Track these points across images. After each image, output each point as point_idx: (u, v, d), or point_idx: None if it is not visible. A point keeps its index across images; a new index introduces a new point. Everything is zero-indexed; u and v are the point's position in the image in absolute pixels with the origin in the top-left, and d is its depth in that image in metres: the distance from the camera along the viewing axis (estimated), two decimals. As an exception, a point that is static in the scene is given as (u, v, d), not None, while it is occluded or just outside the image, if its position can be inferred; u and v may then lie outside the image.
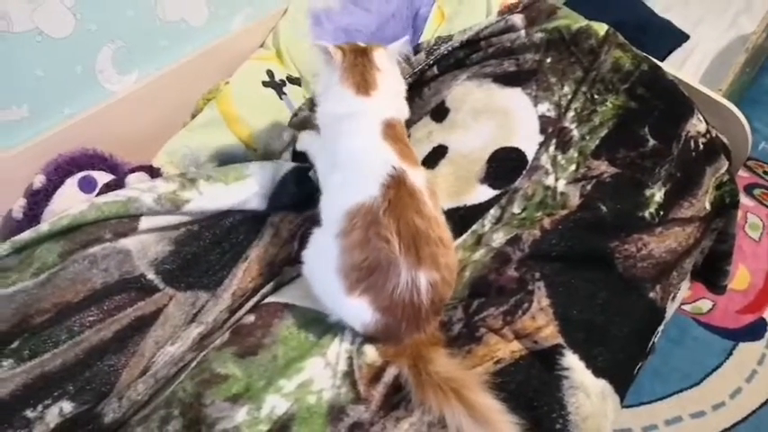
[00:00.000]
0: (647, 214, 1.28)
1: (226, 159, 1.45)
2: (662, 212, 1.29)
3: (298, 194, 1.34)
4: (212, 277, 1.25)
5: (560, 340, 1.10)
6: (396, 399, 1.04)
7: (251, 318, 1.18)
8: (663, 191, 1.30)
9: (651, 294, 1.22)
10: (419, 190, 1.09)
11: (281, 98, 1.55)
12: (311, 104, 1.50)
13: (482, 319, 1.14)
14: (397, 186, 1.06)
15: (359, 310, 1.07)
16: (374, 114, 1.14)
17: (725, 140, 1.47)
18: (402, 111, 1.22)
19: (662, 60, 1.60)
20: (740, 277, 1.97)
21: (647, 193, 1.29)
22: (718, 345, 1.83)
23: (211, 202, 1.29)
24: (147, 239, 1.24)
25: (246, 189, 1.32)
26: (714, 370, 1.78)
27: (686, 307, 1.87)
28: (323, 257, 1.09)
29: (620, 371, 1.15)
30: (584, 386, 1.05)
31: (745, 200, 2.08)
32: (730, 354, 1.81)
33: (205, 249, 1.28)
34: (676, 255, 1.27)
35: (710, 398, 1.72)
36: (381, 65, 1.19)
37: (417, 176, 1.11)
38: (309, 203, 1.31)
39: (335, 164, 1.14)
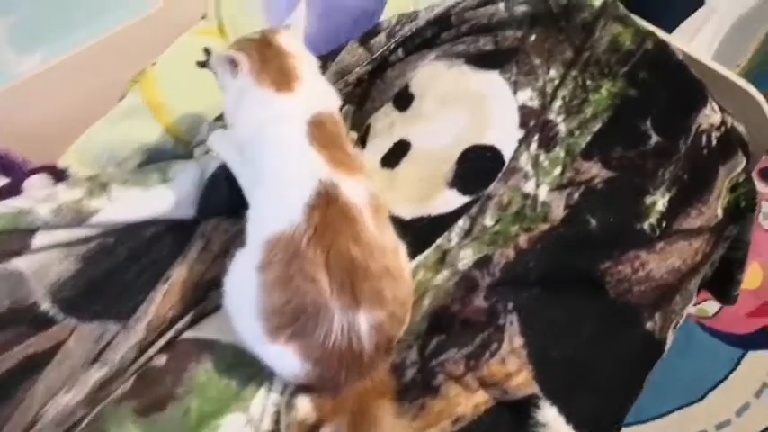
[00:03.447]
0: (646, 226, 1.06)
1: (152, 157, 1.24)
2: (664, 223, 1.07)
3: (232, 196, 1.12)
4: (126, 303, 1.06)
5: (535, 389, 0.92)
6: (329, 469, 0.85)
7: (162, 359, 0.98)
8: (666, 197, 1.08)
9: (648, 324, 1.03)
10: (357, 208, 0.87)
11: (218, 81, 1.31)
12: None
13: (441, 364, 0.95)
14: (325, 206, 0.85)
15: (285, 360, 0.87)
16: (299, 113, 0.92)
17: (742, 131, 1.24)
18: (331, 99, 1.00)
19: (671, 32, 1.35)
20: (752, 275, 1.77)
21: (648, 200, 1.07)
22: (723, 353, 1.64)
23: (125, 211, 1.08)
24: (46, 258, 1.04)
25: (170, 194, 1.11)
26: (719, 383, 1.59)
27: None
28: (243, 291, 0.89)
29: (608, 420, 0.99)
30: (564, 445, 0.87)
31: (758, 185, 1.85)
32: (737, 364, 1.63)
33: (119, 268, 1.08)
34: (680, 275, 1.07)
35: (714, 415, 1.54)
36: (293, 49, 0.97)
37: (356, 188, 0.89)
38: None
39: (258, 182, 0.94)
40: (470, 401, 0.91)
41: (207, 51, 1.34)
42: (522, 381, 0.93)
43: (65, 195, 1.04)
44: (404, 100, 1.23)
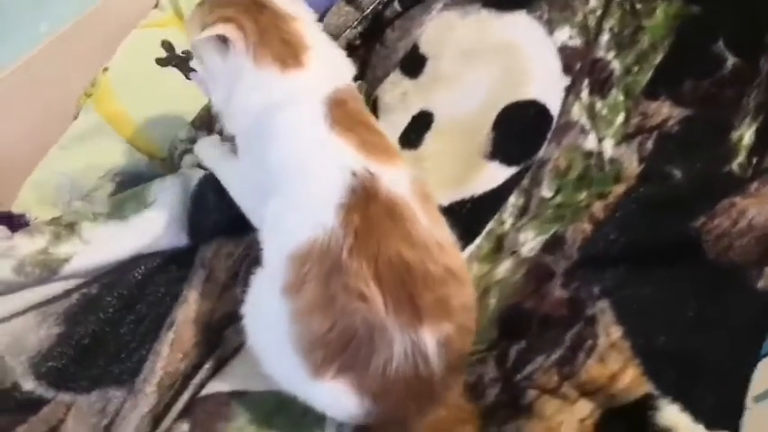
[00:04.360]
0: (735, 167, 0.89)
1: (125, 183, 1.03)
2: (755, 160, 0.90)
3: (223, 211, 0.94)
4: (126, 363, 0.89)
5: (649, 387, 0.77)
6: None
7: (184, 427, 0.81)
8: (753, 128, 0.90)
9: (760, 284, 0.85)
10: (403, 200, 0.69)
11: (188, 77, 1.10)
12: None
13: (528, 377, 0.77)
14: (364, 205, 0.66)
15: (337, 398, 0.69)
16: (313, 92, 0.73)
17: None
18: (346, 68, 0.81)
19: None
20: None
21: (734, 136, 0.89)
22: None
23: (105, 251, 0.91)
24: (18, 327, 0.88)
25: (153, 222, 0.94)
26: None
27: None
28: (268, 323, 0.71)
29: (735, 406, 0.80)
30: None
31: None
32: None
33: (110, 322, 0.91)
34: (784, 217, 0.89)
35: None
36: (294, 11, 0.77)
37: (397, 177, 0.71)
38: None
39: (268, 186, 0.75)
40: (574, 417, 0.75)
41: (166, 45, 1.13)
42: (631, 380, 0.77)
43: (25, 247, 0.89)
44: (414, 64, 1.04)
